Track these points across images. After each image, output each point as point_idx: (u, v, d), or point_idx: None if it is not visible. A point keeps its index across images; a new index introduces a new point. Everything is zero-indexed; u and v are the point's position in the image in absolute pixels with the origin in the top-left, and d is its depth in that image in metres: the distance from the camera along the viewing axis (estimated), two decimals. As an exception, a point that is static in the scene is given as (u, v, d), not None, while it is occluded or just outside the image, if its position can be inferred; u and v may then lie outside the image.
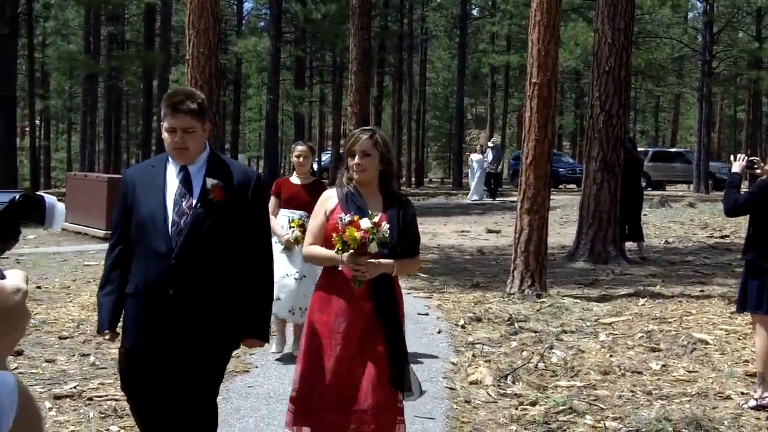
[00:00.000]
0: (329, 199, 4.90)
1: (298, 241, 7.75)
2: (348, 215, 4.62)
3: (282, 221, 8.23)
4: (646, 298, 11.43)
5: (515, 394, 7.29)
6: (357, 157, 4.78)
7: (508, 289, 11.82)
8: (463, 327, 9.96)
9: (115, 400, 6.70)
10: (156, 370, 4.35)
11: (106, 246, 4.58)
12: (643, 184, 21.38)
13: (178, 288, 4.26)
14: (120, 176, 20.91)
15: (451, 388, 7.47)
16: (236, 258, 4.39)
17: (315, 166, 55.26)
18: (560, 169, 40.13)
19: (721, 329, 9.62)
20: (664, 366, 8.17)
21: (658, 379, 7.75)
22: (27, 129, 72.91)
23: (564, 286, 12.64)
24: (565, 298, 11.42)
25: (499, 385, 7.52)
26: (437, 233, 20.86)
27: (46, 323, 9.56)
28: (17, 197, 2.20)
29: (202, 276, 4.30)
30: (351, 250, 4.54)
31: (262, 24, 52.72)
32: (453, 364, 8.30)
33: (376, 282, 4.64)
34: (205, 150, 4.46)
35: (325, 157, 51.53)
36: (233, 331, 4.41)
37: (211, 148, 4.54)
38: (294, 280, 8.16)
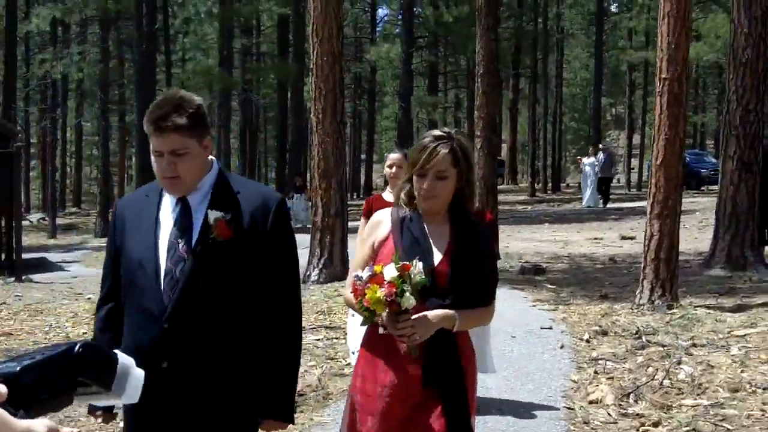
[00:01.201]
0: (380, 224, 3.75)
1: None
2: (368, 269, 3.48)
3: None
4: (784, 308, 10.90)
5: (637, 414, 6.99)
6: (428, 179, 3.61)
7: (638, 300, 11.42)
8: (587, 341, 9.66)
9: None
10: None
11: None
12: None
13: (173, 359, 3.28)
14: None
15: (569, 408, 7.23)
16: (251, 316, 3.38)
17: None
18: (702, 170, 38.95)
19: None
20: (799, 382, 7.72)
21: (792, 397, 7.33)
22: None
23: (697, 295, 12.16)
24: (698, 308, 10.97)
25: (620, 405, 7.23)
26: (569, 241, 20.49)
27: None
28: (78, 347, 1.78)
29: (204, 342, 3.30)
30: (385, 312, 3.45)
31: (397, 30, 52.88)
32: (573, 381, 8.04)
33: (430, 342, 3.52)
34: (210, 171, 3.41)
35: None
36: (247, 412, 3.39)
37: (220, 168, 3.47)
38: None
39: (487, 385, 7.82)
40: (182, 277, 3.27)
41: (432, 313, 3.47)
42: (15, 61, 37.13)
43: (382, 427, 3.57)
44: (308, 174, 25.84)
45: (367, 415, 3.60)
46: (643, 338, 9.55)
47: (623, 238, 20.60)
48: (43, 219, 34.70)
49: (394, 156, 6.90)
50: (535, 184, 46.27)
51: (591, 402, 7.37)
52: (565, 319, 10.94)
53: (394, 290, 3.35)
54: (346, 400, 3.83)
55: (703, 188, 38.72)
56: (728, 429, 6.51)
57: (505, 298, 12.57)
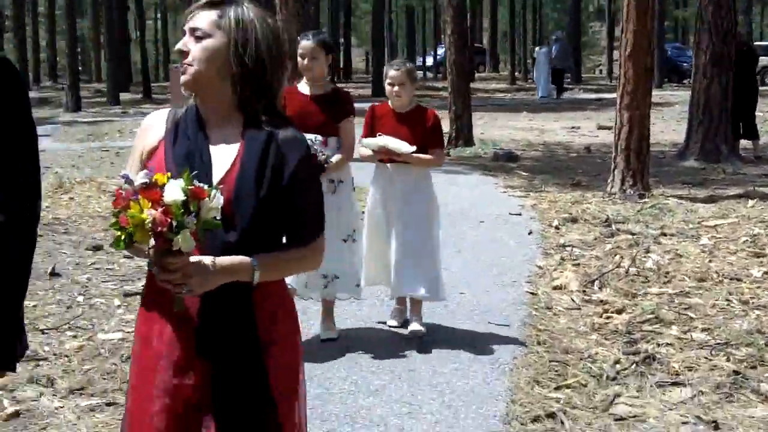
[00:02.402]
0: (151, 128, 2.60)
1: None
2: (146, 173, 2.24)
3: None
4: (755, 200, 10.78)
5: (601, 301, 6.89)
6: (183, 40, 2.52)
7: (609, 188, 11.33)
8: (556, 228, 9.54)
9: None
10: None
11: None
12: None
13: None
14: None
15: (532, 293, 7.12)
16: None
17: (428, 61, 54.84)
18: (684, 63, 38.65)
19: (835, 233, 8.98)
20: (766, 273, 7.63)
21: (758, 287, 7.22)
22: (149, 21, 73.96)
23: (670, 185, 12.05)
24: (670, 198, 10.89)
25: (584, 291, 7.13)
26: (546, 129, 20.30)
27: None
28: None
29: None
30: (150, 247, 2.28)
31: None
32: (539, 267, 7.92)
33: (211, 297, 2.39)
34: None
35: (440, 50, 50.46)
36: None
37: None
38: None
39: (451, 268, 7.70)
40: None
41: (219, 260, 2.34)
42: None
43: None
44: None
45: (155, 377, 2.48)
46: (613, 226, 9.46)
47: (600, 127, 20.41)
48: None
49: (306, 43, 5.79)
50: (515, 73, 45.77)
51: (555, 288, 7.26)
52: (535, 206, 10.80)
53: (170, 221, 2.18)
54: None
55: (684, 81, 38.46)
56: (691, 317, 6.41)
57: (476, 183, 12.47)
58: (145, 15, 49.45)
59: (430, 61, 55.64)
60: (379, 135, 5.92)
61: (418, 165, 5.99)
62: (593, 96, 31.93)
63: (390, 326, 6.31)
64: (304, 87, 5.86)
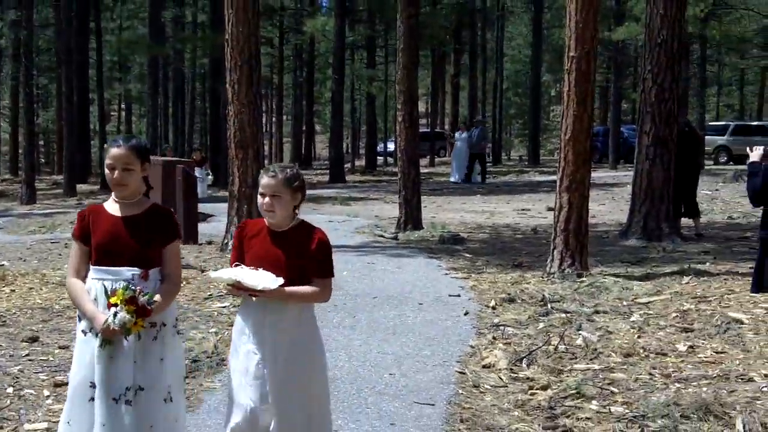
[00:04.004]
0: None
1: (128, 329, 4.27)
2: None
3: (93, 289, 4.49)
4: (690, 276, 11.01)
5: (528, 378, 7.02)
6: None
7: (548, 269, 11.52)
8: (493, 308, 9.69)
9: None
10: None
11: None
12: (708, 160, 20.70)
13: None
14: (177, 159, 21.11)
15: (461, 372, 7.23)
16: None
17: (390, 146, 55.48)
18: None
19: (762, 308, 9.16)
20: (691, 347, 7.81)
21: (682, 361, 7.39)
22: (113, 114, 74.37)
23: (609, 264, 12.27)
24: (607, 277, 11.07)
25: (512, 369, 7.26)
26: (496, 212, 20.57)
27: (69, 308, 9.54)
28: None
29: None
30: None
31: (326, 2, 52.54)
32: (471, 347, 8.03)
33: None
34: None
35: (391, 145, 50.78)
36: None
37: None
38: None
39: (384, 350, 7.84)
40: None
41: None
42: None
43: None
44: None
45: None
46: (549, 305, 9.62)
47: (550, 209, 20.63)
48: (-28, 186, 34.10)
49: (115, 150, 4.53)
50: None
51: (484, 366, 7.38)
52: (474, 287, 10.95)
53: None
54: None
55: (636, 163, 39.03)
56: (612, 392, 6.55)
57: (420, 266, 12.62)
58: (109, 106, 49.79)
59: (392, 146, 56.25)
60: (236, 265, 4.59)
61: (292, 302, 4.53)
62: (548, 178, 32.32)
63: None
64: (112, 206, 4.58)
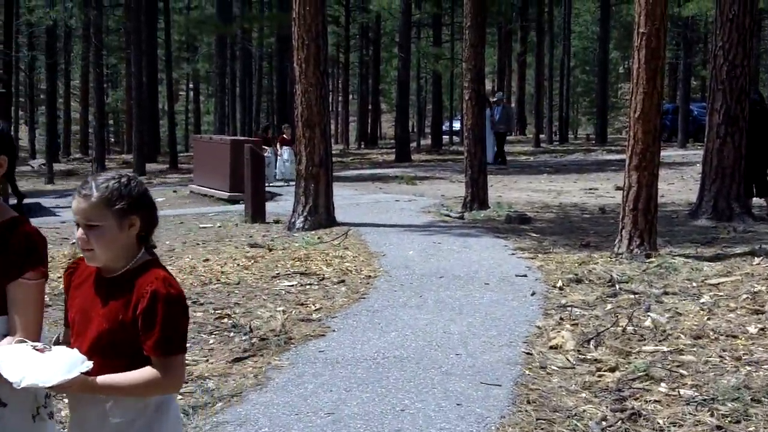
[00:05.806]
0: None
1: None
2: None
3: None
4: (761, 257, 10.82)
5: (595, 360, 6.99)
6: None
7: (616, 249, 11.42)
8: (560, 289, 9.64)
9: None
10: None
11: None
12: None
13: None
14: (245, 139, 21.25)
15: (528, 353, 7.22)
16: None
17: (456, 125, 55.43)
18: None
19: (836, 290, 9.02)
20: (762, 329, 7.70)
21: (753, 344, 7.30)
22: (181, 94, 75.19)
23: (679, 245, 12.12)
24: (676, 257, 10.94)
25: (579, 350, 7.23)
26: (563, 191, 20.42)
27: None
28: None
29: None
30: None
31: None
32: (538, 327, 8.02)
33: None
34: None
35: (457, 124, 50.40)
36: None
37: None
38: None
39: (450, 330, 7.86)
40: None
41: None
42: (12, 7, 36.88)
43: None
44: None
45: None
46: (617, 286, 9.55)
47: (618, 188, 20.44)
48: (44, 165, 34.71)
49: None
50: (540, 135, 46.06)
51: (551, 348, 7.36)
52: (541, 267, 10.90)
53: None
54: None
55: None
56: (681, 375, 6.50)
57: (487, 246, 12.59)
58: (177, 86, 50.35)
59: (457, 125, 56.05)
60: (21, 341, 2.92)
61: (112, 395, 2.87)
62: (616, 157, 32.00)
63: None
64: None
